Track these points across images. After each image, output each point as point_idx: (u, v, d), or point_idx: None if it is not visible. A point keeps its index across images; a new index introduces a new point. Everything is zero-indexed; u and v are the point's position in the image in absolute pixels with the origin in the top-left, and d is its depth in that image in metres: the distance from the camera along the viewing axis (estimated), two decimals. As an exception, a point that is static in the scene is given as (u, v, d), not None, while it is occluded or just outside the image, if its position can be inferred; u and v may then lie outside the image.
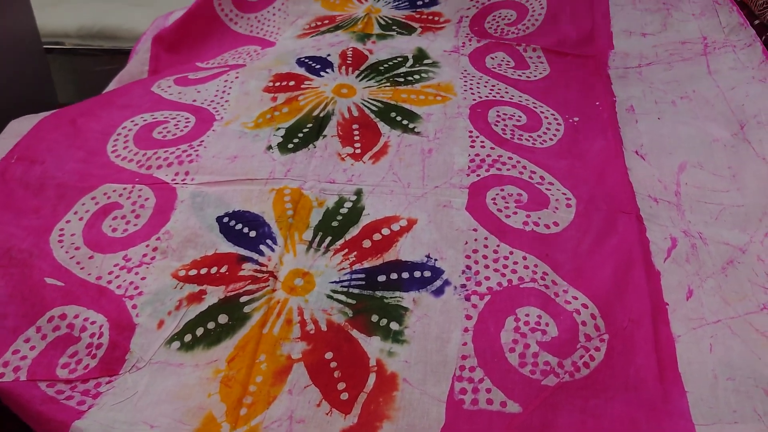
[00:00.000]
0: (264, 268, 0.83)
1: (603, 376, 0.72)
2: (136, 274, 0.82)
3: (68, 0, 1.88)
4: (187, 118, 1.05)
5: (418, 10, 1.37)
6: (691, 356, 0.74)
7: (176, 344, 0.76)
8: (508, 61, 1.19)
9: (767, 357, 0.73)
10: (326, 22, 1.35)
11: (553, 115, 1.05)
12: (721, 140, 0.99)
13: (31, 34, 1.47)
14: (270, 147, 0.98)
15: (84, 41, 1.79)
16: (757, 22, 1.13)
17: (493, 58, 1.20)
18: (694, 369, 0.73)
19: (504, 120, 1.03)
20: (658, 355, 0.73)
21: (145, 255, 0.84)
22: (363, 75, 1.14)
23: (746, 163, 0.94)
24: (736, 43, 1.11)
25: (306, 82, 1.10)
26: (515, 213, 0.88)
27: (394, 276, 0.80)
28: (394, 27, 1.31)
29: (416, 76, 1.13)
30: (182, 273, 0.82)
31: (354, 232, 0.85)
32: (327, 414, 0.69)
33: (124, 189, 0.92)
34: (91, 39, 1.78)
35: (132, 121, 1.04)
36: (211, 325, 0.77)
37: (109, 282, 0.82)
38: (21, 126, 1.04)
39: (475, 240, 0.84)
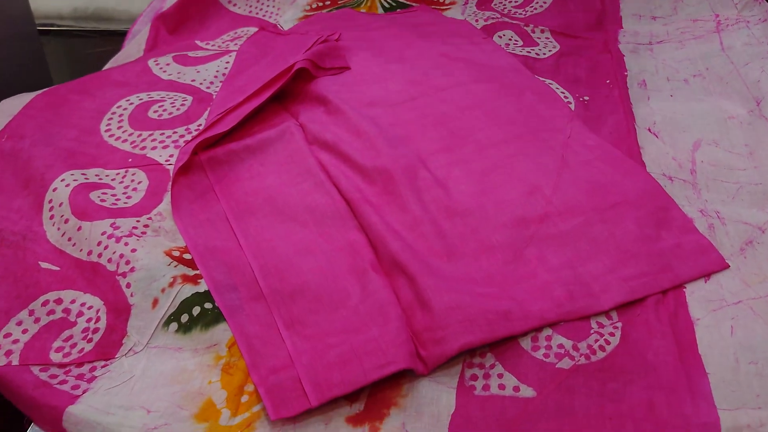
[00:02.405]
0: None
1: (620, 359, 0.69)
2: (126, 245, 0.78)
3: (62, -19, 1.84)
4: (184, 98, 1.02)
5: None
6: (712, 339, 0.70)
7: (174, 326, 0.73)
8: (516, 40, 1.16)
9: (790, 340, 0.70)
10: (327, 3, 1.32)
11: (563, 93, 1.02)
12: (737, 117, 0.96)
13: (25, 16, 1.45)
14: None
15: (78, 23, 1.76)
16: (771, -3, 1.10)
17: (500, 37, 1.17)
18: (715, 352, 0.69)
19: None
20: (676, 338, 0.70)
21: (135, 227, 0.81)
22: None
23: (763, 140, 0.91)
24: (749, 19, 1.08)
25: None
26: None
27: None
28: (398, 9, 1.28)
29: None
30: (176, 254, 0.79)
31: None
32: (332, 402, 0.66)
33: (117, 174, 0.89)
34: (86, 21, 1.75)
35: (127, 100, 1.01)
36: (208, 305, 0.74)
37: (100, 255, 0.78)
38: (12, 105, 1.01)
39: None
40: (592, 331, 0.71)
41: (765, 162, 0.88)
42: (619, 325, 0.72)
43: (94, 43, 1.71)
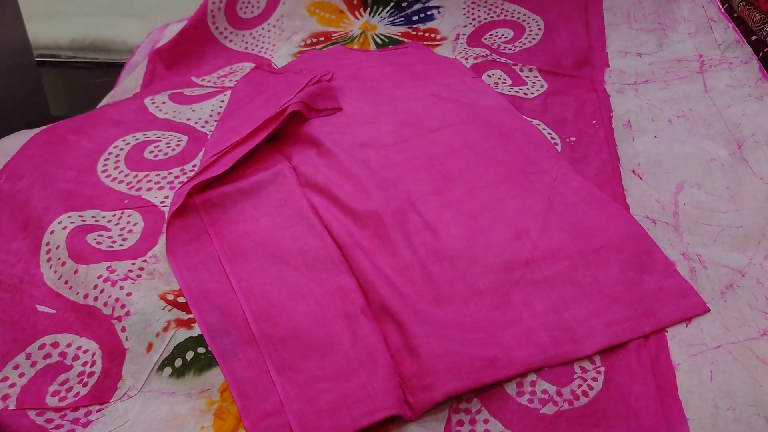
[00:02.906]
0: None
1: (603, 404, 0.71)
2: (121, 288, 0.80)
3: (60, 12, 1.87)
4: (180, 138, 1.04)
5: (414, 26, 1.36)
6: (692, 384, 0.72)
7: (168, 370, 0.74)
8: (505, 79, 1.18)
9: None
10: (322, 39, 1.35)
11: (550, 134, 1.04)
12: (719, 159, 0.98)
13: (23, 47, 1.47)
14: None
15: (76, 54, 1.77)
16: (754, 37, 1.12)
17: (490, 76, 1.19)
18: (695, 398, 0.71)
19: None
20: (657, 383, 0.72)
21: (130, 270, 0.83)
22: None
23: (744, 183, 0.93)
24: (732, 60, 1.10)
25: None
26: None
27: None
28: (390, 45, 1.31)
29: None
30: (170, 297, 0.80)
31: None
32: (322, 446, 0.67)
33: (113, 215, 0.91)
34: (84, 51, 1.77)
35: (124, 140, 1.03)
36: (201, 350, 0.76)
37: (96, 299, 0.80)
38: (10, 144, 1.03)
39: None
40: (575, 376, 0.73)
41: (745, 205, 0.91)
42: (602, 369, 0.74)
43: (92, 74, 1.72)
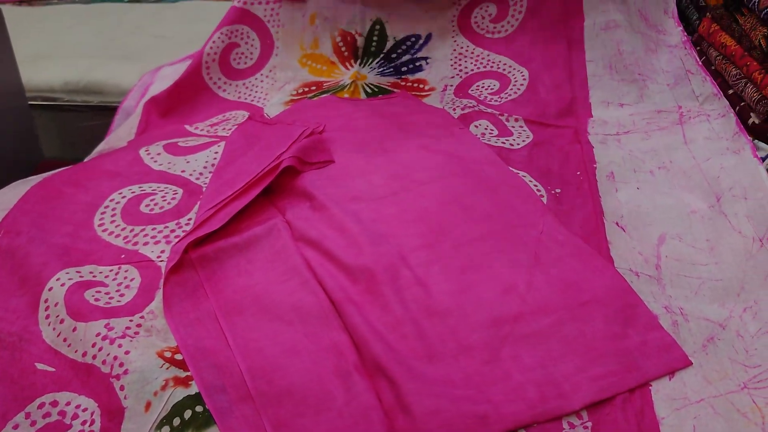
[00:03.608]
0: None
1: (591, 461, 0.73)
2: (120, 346, 0.82)
3: (54, 55, 1.89)
4: (175, 191, 1.06)
5: (403, 77, 1.40)
6: (675, 439, 0.75)
7: (166, 429, 0.76)
8: (492, 129, 1.22)
9: (749, 438, 0.75)
10: (313, 88, 1.38)
11: (536, 186, 1.07)
12: (699, 212, 1.01)
13: (17, 90, 1.49)
14: None
15: (70, 96, 1.80)
16: (731, 91, 1.16)
17: (477, 126, 1.23)
18: (678, 453, 0.74)
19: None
20: (642, 438, 0.75)
21: (128, 328, 0.85)
22: None
23: (723, 236, 0.96)
24: (710, 113, 1.14)
25: None
26: None
27: None
28: (380, 95, 1.34)
29: None
30: (168, 354, 0.82)
31: None
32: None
33: (110, 270, 0.92)
34: (77, 94, 1.79)
35: (120, 193, 1.05)
36: (199, 408, 0.77)
37: (94, 357, 0.81)
38: (7, 198, 1.04)
39: None
40: (563, 431, 0.75)
41: (724, 258, 0.94)
42: (590, 424, 0.76)
43: (85, 117, 1.74)
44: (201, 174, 1.11)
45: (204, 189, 1.07)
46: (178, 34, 2.04)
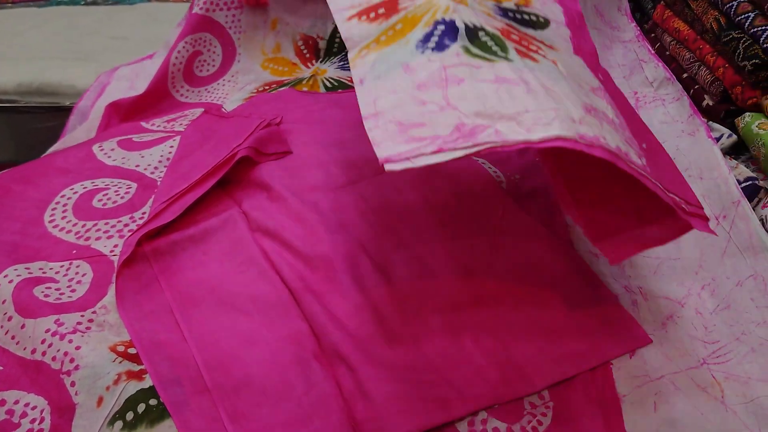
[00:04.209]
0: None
1: (553, 440, 0.72)
2: (70, 342, 0.79)
3: (6, 56, 1.84)
4: (129, 186, 1.03)
5: None
6: (637, 416, 0.75)
7: (119, 424, 0.73)
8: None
9: (710, 414, 0.75)
10: (274, 86, 1.37)
11: (495, 172, 1.07)
12: (657, 194, 1.02)
13: (-31, 93, 1.45)
14: None
15: (23, 98, 1.75)
16: (685, 75, 1.18)
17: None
18: (640, 429, 0.74)
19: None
20: (604, 416, 0.74)
21: (79, 323, 0.82)
22: None
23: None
24: (665, 97, 1.15)
25: None
26: None
27: None
28: (339, 89, 1.33)
29: None
30: (121, 348, 0.80)
31: None
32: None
33: (61, 266, 0.90)
34: (31, 96, 1.74)
35: (71, 189, 1.03)
36: (153, 402, 0.75)
37: (44, 353, 0.79)
38: (-45, 196, 1.01)
39: None
40: (525, 412, 0.75)
41: (682, 237, 0.94)
42: (551, 404, 0.76)
43: (39, 118, 1.70)
44: (156, 168, 1.08)
45: (159, 183, 1.05)
46: (136, 35, 2.00)
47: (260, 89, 1.37)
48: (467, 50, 0.71)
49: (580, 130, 0.63)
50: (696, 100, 1.12)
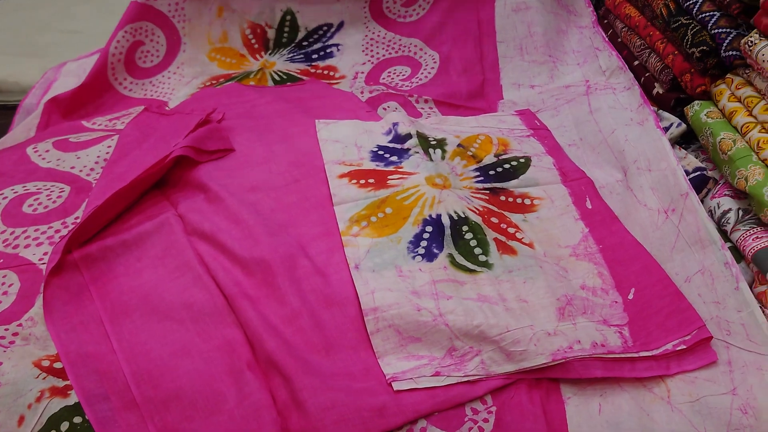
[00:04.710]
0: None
1: (494, 447, 0.70)
2: None
3: (-48, 54, 1.78)
4: (62, 189, 0.99)
5: (313, 64, 1.35)
6: (581, 419, 0.73)
7: (40, 443, 0.70)
8: (400, 111, 1.18)
9: (656, 414, 0.73)
10: (221, 81, 1.32)
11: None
12: (607, 186, 1.00)
13: None
14: None
15: (-33, 96, 1.70)
16: (636, 62, 1.15)
17: (385, 108, 1.19)
18: (584, 432, 0.72)
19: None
20: (548, 420, 0.72)
21: (2, 337, 0.78)
22: None
23: (630, 210, 0.95)
24: (616, 86, 1.13)
25: None
26: None
27: None
28: (288, 82, 1.29)
29: None
30: (46, 363, 0.76)
31: None
32: None
33: None
34: (-25, 93, 1.69)
35: (1, 194, 0.98)
36: (77, 419, 0.71)
37: None
38: None
39: None
40: (466, 419, 0.72)
41: (633, 231, 0.92)
42: (494, 409, 0.73)
43: (-16, 117, 1.65)
44: (92, 169, 1.04)
45: (94, 185, 1.00)
46: (90, 29, 1.94)
47: (207, 83, 1.32)
48: (453, 261, 0.85)
49: (554, 344, 0.76)
50: (646, 88, 1.10)
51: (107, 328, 0.81)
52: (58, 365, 0.76)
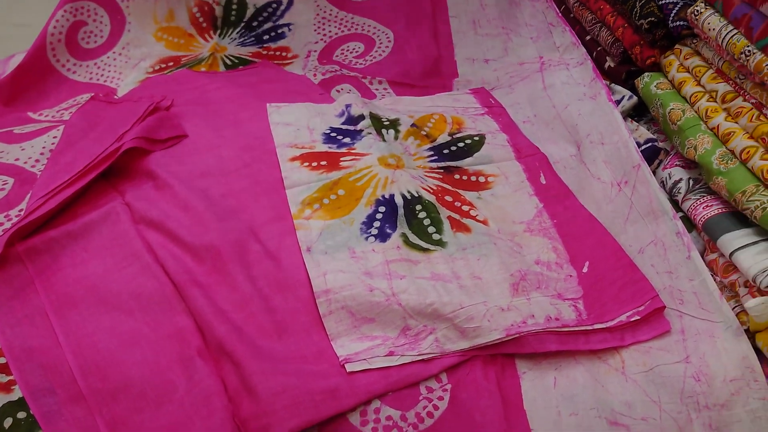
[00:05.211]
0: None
1: (448, 424, 0.70)
2: None
3: None
4: (5, 181, 0.96)
5: (264, 45, 1.33)
6: (536, 393, 0.73)
7: (-17, 440, 0.68)
8: (354, 93, 1.16)
9: (610, 385, 0.73)
10: (170, 64, 1.29)
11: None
12: (561, 161, 1.00)
13: None
14: None
15: None
16: (588, 37, 1.15)
17: (339, 91, 1.17)
18: (539, 407, 0.72)
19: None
20: (503, 395, 0.72)
21: None
22: None
23: (584, 186, 0.95)
24: (569, 62, 1.12)
25: None
26: None
27: None
28: (240, 66, 1.27)
29: None
30: None
31: None
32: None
33: None
34: None
35: (-62, 190, 0.95)
36: (21, 415, 0.69)
37: None
38: None
39: None
40: (421, 398, 0.72)
41: (588, 205, 0.92)
42: (449, 387, 0.73)
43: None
44: (37, 161, 1.01)
45: (38, 176, 0.98)
46: (40, 22, 1.89)
47: (156, 68, 1.29)
48: (406, 241, 0.84)
49: (508, 319, 0.76)
50: (599, 62, 1.10)
51: (53, 321, 0.78)
52: (1, 360, 0.74)
